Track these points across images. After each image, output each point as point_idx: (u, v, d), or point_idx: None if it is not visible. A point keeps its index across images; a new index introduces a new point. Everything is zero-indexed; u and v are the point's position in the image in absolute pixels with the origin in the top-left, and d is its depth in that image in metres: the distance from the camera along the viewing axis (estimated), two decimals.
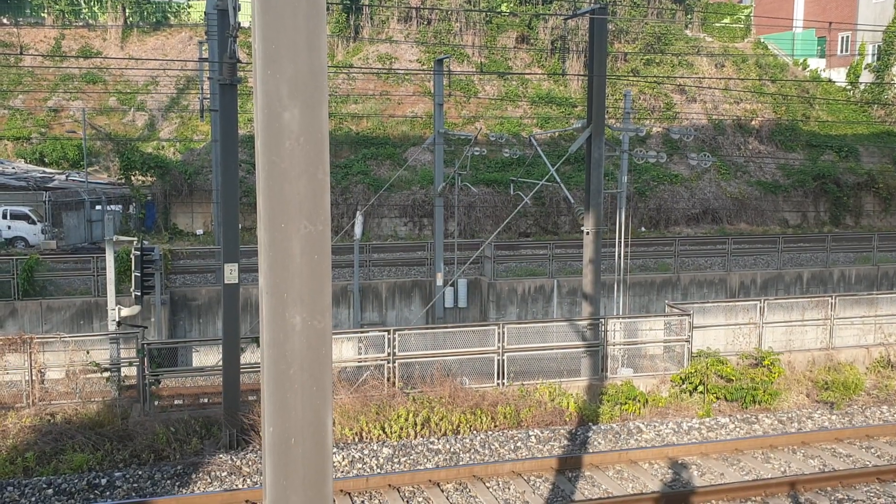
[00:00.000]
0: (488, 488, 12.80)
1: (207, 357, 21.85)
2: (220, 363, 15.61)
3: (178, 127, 49.12)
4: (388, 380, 16.81)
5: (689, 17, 59.47)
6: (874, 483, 13.28)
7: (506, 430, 15.33)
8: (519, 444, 14.67)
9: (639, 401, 17.03)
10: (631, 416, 16.66)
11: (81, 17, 56.11)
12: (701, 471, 13.79)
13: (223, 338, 15.06)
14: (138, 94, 50.44)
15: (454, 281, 28.25)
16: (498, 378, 17.62)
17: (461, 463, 13.79)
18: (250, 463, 13.52)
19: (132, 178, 40.88)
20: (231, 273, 14.52)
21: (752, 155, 49.41)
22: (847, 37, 56.94)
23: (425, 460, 13.90)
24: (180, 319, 26.87)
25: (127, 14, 55.52)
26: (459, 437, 14.89)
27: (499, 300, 29.35)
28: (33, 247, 34.46)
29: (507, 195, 40.23)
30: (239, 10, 13.73)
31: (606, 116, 20.96)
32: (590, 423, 16.06)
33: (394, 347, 17.04)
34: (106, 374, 16.75)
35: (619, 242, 22.85)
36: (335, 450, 14.02)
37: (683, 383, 17.95)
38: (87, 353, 16.77)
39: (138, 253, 18.69)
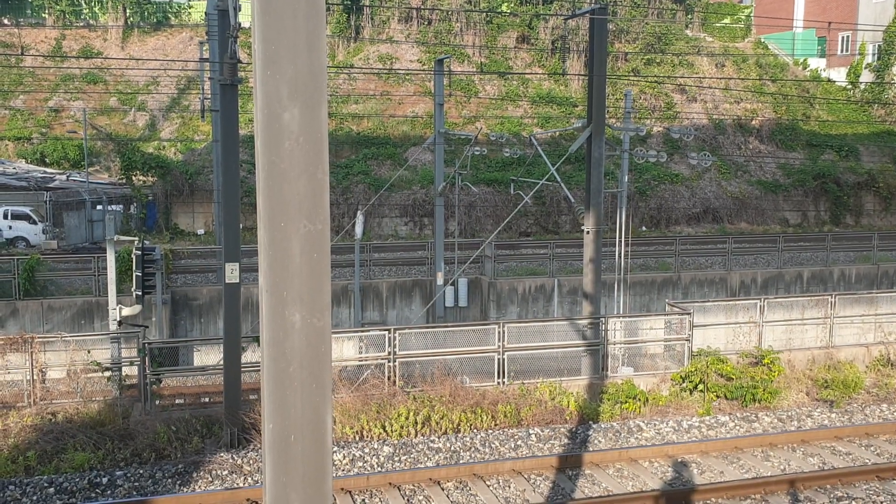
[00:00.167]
0: (489, 487, 12.84)
1: (208, 356, 21.89)
2: (221, 362, 15.65)
3: (178, 127, 49.17)
4: (389, 379, 16.85)
5: (689, 16, 59.48)
6: (874, 481, 13.32)
7: (506, 429, 15.36)
8: (519, 442, 14.70)
9: (639, 399, 17.07)
10: (631, 415, 16.70)
11: (82, 17, 56.16)
12: (701, 469, 13.83)
13: (224, 337, 15.10)
14: (139, 94, 50.49)
15: (454, 280, 28.30)
16: (498, 377, 17.66)
17: (462, 461, 13.83)
18: (251, 462, 13.56)
19: (133, 178, 40.94)
20: (232, 272, 14.56)
21: (753, 154, 49.44)
22: (847, 36, 56.95)
23: (426, 459, 13.94)
24: (181, 319, 26.91)
25: (127, 14, 55.58)
26: (460, 435, 14.93)
27: (499, 299, 29.39)
28: (34, 247, 34.52)
29: (507, 195, 40.27)
30: (239, 10, 13.77)
31: (607, 116, 21.01)
32: (590, 422, 16.09)
33: (394, 346, 17.08)
34: (107, 374, 16.79)
35: (620, 242, 22.88)
36: (336, 448, 14.07)
37: (684, 382, 17.99)
38: (89, 352, 16.81)
39: (139, 253, 18.72)
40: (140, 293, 18.95)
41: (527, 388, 17.10)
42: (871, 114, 54.81)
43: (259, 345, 4.06)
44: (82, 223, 37.97)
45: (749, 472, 13.74)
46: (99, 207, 38.13)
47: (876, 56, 55.66)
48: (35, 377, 16.13)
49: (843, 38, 57.41)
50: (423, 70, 48.70)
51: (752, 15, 62.10)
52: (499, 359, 17.74)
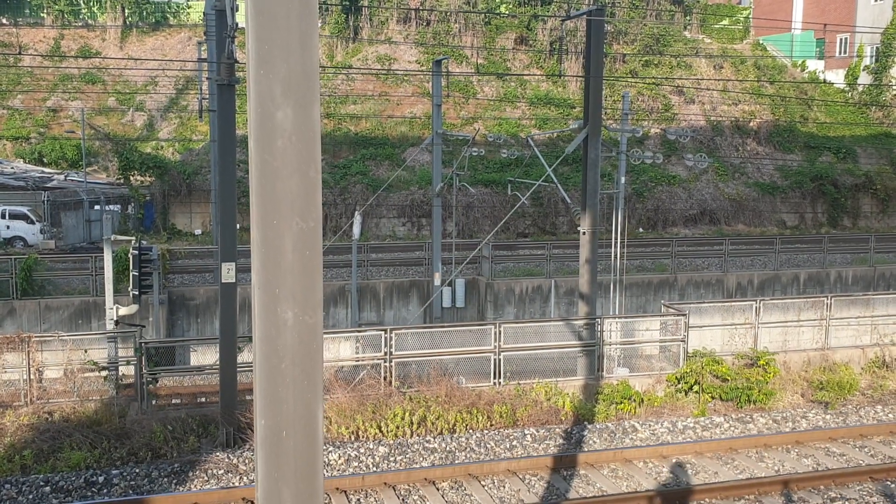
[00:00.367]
0: (483, 487, 12.87)
1: (205, 356, 21.91)
2: (218, 362, 15.68)
3: (176, 127, 49.19)
4: (385, 379, 16.89)
5: (687, 18, 59.56)
6: (867, 482, 13.36)
7: (502, 429, 15.40)
8: (514, 442, 14.74)
9: (634, 400, 17.11)
10: (626, 416, 16.74)
11: (80, 17, 56.18)
12: (695, 469, 13.87)
13: (220, 337, 15.14)
14: (137, 94, 50.51)
15: (451, 281, 28.33)
16: (494, 377, 17.70)
17: (457, 461, 13.87)
18: (247, 461, 13.58)
19: (131, 178, 40.95)
20: (228, 272, 14.60)
21: (750, 156, 49.51)
22: (845, 38, 57.05)
23: (421, 459, 13.97)
24: (178, 319, 26.93)
25: (126, 14, 55.60)
26: (455, 435, 14.96)
27: (496, 300, 29.42)
28: (32, 246, 34.52)
29: (505, 196, 40.31)
30: (237, 10, 13.81)
31: (605, 117, 21.07)
32: (585, 422, 16.13)
33: (390, 347, 17.11)
34: (104, 373, 16.82)
35: (616, 243, 22.93)
36: (332, 448, 14.10)
37: (679, 383, 18.04)
38: (85, 351, 16.84)
39: (136, 252, 18.76)
40: (137, 293, 18.99)
41: (523, 388, 17.15)
42: (869, 116, 54.90)
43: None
44: (80, 223, 37.97)
45: (743, 473, 13.78)
46: (97, 207, 38.13)
47: (874, 58, 55.77)
48: (32, 376, 16.15)
49: (841, 39, 57.51)
50: (422, 71, 48.75)
51: (750, 16, 62.20)
52: (495, 359, 17.78)
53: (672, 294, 30.65)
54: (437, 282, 28.33)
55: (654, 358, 19.99)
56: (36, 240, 35.30)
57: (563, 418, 16.26)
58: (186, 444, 14.40)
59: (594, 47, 19.89)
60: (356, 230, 27.70)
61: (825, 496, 12.79)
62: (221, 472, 13.25)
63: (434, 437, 14.82)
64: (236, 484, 12.86)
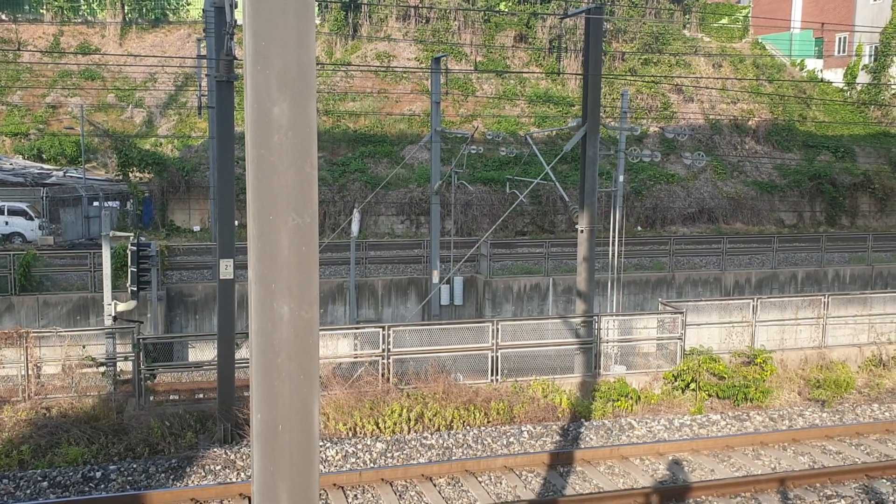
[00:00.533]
0: (480, 483, 12.91)
1: (203, 353, 21.93)
2: (216, 358, 15.70)
3: (175, 124, 49.16)
4: (383, 376, 16.92)
5: (686, 17, 59.55)
6: (863, 479, 13.41)
7: (499, 426, 15.44)
8: (511, 439, 14.78)
9: (631, 398, 17.15)
10: (623, 413, 16.78)
11: (80, 13, 56.12)
12: (692, 467, 13.91)
13: (218, 333, 15.16)
14: (136, 90, 50.47)
15: (450, 278, 28.35)
16: (492, 374, 17.73)
17: (454, 458, 13.90)
18: (244, 457, 13.61)
19: (130, 174, 40.95)
20: (226, 269, 14.62)
21: (749, 155, 49.54)
22: (844, 37, 57.07)
23: (418, 455, 14.00)
24: (176, 315, 26.95)
25: (125, 11, 55.53)
26: (452, 432, 15.00)
27: (494, 298, 29.45)
28: (30, 242, 34.52)
29: (503, 194, 40.32)
30: (236, 7, 13.83)
31: (604, 116, 21.10)
32: (582, 420, 16.17)
33: (388, 344, 17.14)
34: (101, 369, 16.84)
35: (614, 241, 22.95)
36: (329, 444, 14.13)
37: (676, 380, 18.07)
38: (83, 347, 16.86)
39: (134, 249, 18.78)
40: (135, 289, 19.01)
41: (520, 385, 17.18)
42: (868, 115, 54.93)
43: None
44: (79, 219, 37.98)
45: (740, 471, 13.82)
46: (95, 204, 38.13)
47: (872, 57, 55.79)
48: (30, 372, 16.17)
49: (840, 39, 57.54)
50: (421, 68, 48.75)
51: (749, 15, 62.19)
52: (492, 356, 17.81)
53: (670, 292, 30.69)
54: (436, 279, 28.37)
55: (652, 356, 20.03)
56: (34, 236, 35.30)
57: (560, 415, 16.30)
58: (184, 439, 14.43)
59: (593, 45, 19.90)
60: (354, 228, 27.70)
61: (821, 494, 12.83)
62: (219, 467, 13.28)
63: (431, 434, 14.86)
64: (234, 480, 12.89)
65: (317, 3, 54.68)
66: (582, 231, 19.95)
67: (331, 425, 15.03)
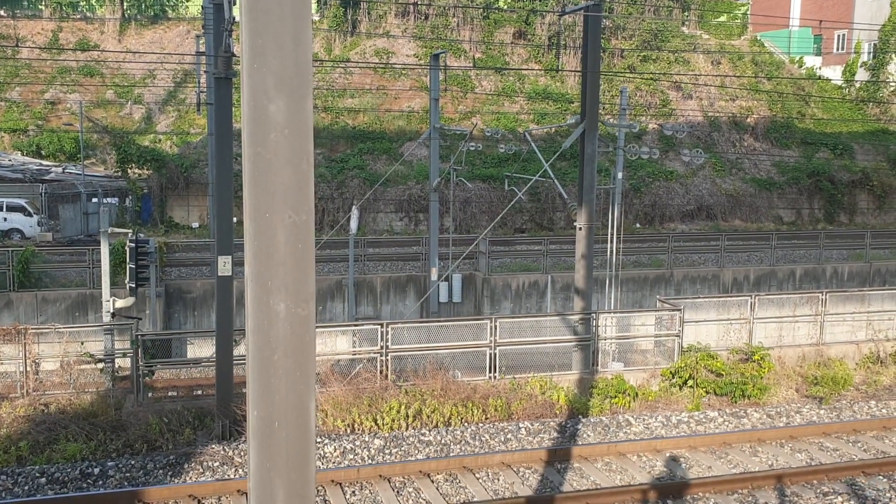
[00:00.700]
0: (478, 479, 12.94)
1: (202, 349, 21.95)
2: (214, 355, 15.72)
3: (174, 120, 49.13)
4: (381, 372, 16.94)
5: (685, 14, 59.55)
6: (860, 476, 13.44)
7: (496, 423, 15.46)
8: (509, 436, 14.81)
9: (629, 394, 17.18)
10: (621, 410, 16.81)
11: (79, 9, 56.06)
12: (689, 464, 13.94)
13: (216, 330, 15.17)
14: (136, 87, 50.43)
15: (448, 275, 28.36)
16: (490, 371, 17.76)
17: (452, 454, 13.93)
18: (242, 453, 13.64)
19: (129, 171, 40.93)
20: (224, 265, 14.63)
21: (748, 152, 49.55)
22: (843, 35, 57.07)
23: (416, 451, 14.03)
24: (175, 312, 26.95)
25: (125, 7, 55.48)
26: (450, 429, 15.02)
27: (493, 295, 29.46)
28: (29, 239, 34.51)
29: (502, 191, 40.31)
30: (234, 4, 13.82)
31: (603, 113, 21.11)
32: (580, 416, 16.20)
33: (387, 341, 17.16)
34: (100, 365, 16.86)
35: (612, 238, 22.98)
36: (327, 441, 14.15)
37: (673, 377, 18.10)
38: (82, 344, 16.87)
39: (133, 245, 18.78)
40: (134, 285, 19.02)
41: (518, 382, 17.21)
42: (866, 112, 54.94)
43: None
44: (77, 215, 37.96)
45: (737, 468, 13.85)
46: (94, 200, 38.12)
47: (871, 54, 55.80)
48: (28, 368, 16.19)
49: (838, 36, 57.53)
50: (420, 65, 48.73)
51: (748, 13, 62.19)
52: (490, 353, 17.84)
53: (668, 289, 30.72)
54: (434, 277, 28.37)
55: (649, 353, 20.05)
56: (33, 232, 35.29)
57: (558, 412, 16.33)
58: (182, 436, 14.45)
59: (591, 42, 19.90)
60: (353, 224, 27.70)
61: (818, 490, 12.87)
62: (217, 464, 13.30)
63: (429, 430, 14.88)
64: (231, 476, 12.91)
65: (315, 0, 54.65)
66: (580, 228, 19.96)
67: (329, 422, 15.05)
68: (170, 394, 17.14)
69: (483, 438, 14.65)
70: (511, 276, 29.78)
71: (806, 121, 52.09)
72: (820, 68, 58.04)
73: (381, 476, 12.85)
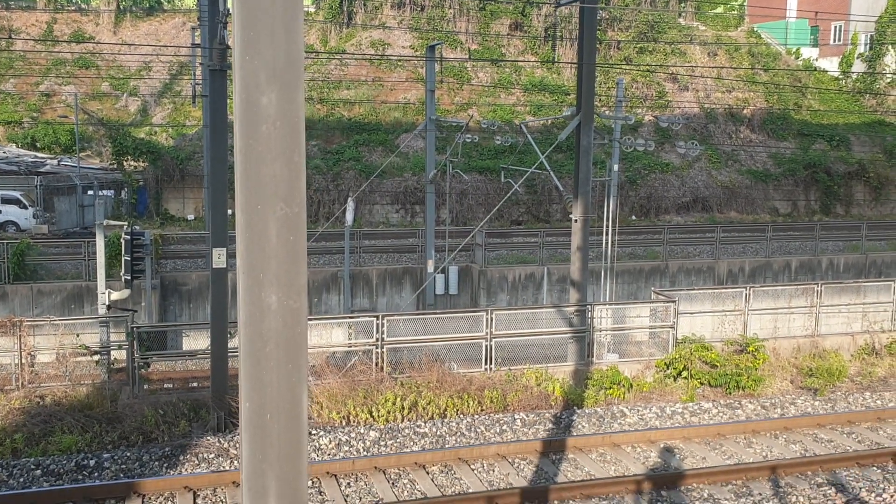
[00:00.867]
0: (473, 470, 12.97)
1: (197, 341, 21.96)
2: (209, 347, 15.72)
3: (170, 112, 49.03)
4: (377, 365, 16.95)
5: (682, 5, 59.47)
6: (854, 468, 13.49)
7: (492, 414, 15.50)
8: (504, 427, 14.84)
9: (623, 386, 17.22)
10: (615, 401, 16.85)
11: (73, 1, 55.83)
12: (683, 455, 13.99)
13: (211, 322, 15.17)
14: (131, 79, 50.29)
15: (444, 268, 28.37)
16: (486, 363, 17.78)
17: (447, 446, 13.96)
18: (237, 445, 13.63)
19: (124, 163, 40.86)
20: (219, 258, 14.62)
21: (744, 143, 49.57)
22: (840, 26, 57.05)
23: (412, 443, 14.06)
24: (171, 304, 26.96)
25: None
26: (446, 420, 15.05)
27: (489, 287, 29.50)
28: (24, 231, 34.45)
29: (498, 183, 40.30)
30: None
31: (599, 105, 21.09)
32: (575, 408, 16.24)
33: (382, 333, 17.17)
34: (95, 358, 16.86)
35: (607, 230, 23.00)
36: (323, 433, 14.18)
37: (668, 369, 18.14)
38: (77, 336, 16.87)
39: (128, 237, 18.76)
40: (129, 278, 19.01)
41: (513, 374, 17.24)
42: (863, 104, 54.98)
43: None
44: (73, 208, 37.91)
45: (731, 459, 13.90)
46: (90, 192, 38.05)
47: (868, 46, 55.80)
48: (23, 360, 16.19)
49: (835, 27, 57.52)
50: (416, 56, 48.63)
51: (745, 4, 62.12)
52: (486, 345, 17.86)
53: (663, 281, 30.77)
54: (430, 269, 28.38)
55: (644, 344, 20.09)
56: (28, 224, 35.23)
57: (553, 403, 16.36)
58: (178, 428, 14.46)
59: (587, 34, 19.87)
60: (349, 216, 27.68)
61: (812, 482, 12.92)
62: (212, 455, 13.33)
63: (425, 422, 14.91)
64: (227, 468, 12.93)
65: None
66: (576, 220, 19.97)
67: (324, 414, 15.07)
68: (165, 386, 17.15)
69: (478, 430, 14.68)
70: (507, 268, 29.81)
71: (802, 112, 52.10)
72: (816, 60, 58.03)
73: (376, 468, 12.88)
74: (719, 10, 60.73)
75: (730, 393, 17.57)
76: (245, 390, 4.11)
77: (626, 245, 31.30)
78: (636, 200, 44.26)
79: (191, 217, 40.70)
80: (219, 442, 13.77)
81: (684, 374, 17.80)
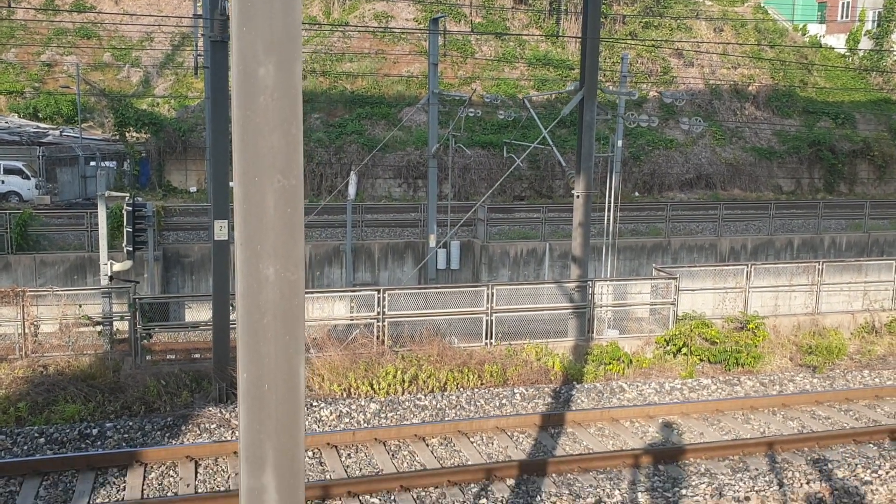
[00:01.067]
0: (472, 443, 13.07)
1: (199, 313, 22.05)
2: (211, 319, 15.79)
3: (172, 84, 48.85)
4: (378, 338, 17.03)
5: None
6: (850, 444, 13.56)
7: (492, 388, 15.58)
8: (504, 401, 14.92)
9: (623, 361, 17.29)
10: (615, 376, 16.93)
11: None
12: (681, 430, 14.07)
13: (213, 294, 15.22)
14: (133, 49, 50.06)
15: (446, 242, 28.39)
16: (486, 338, 17.85)
17: (447, 419, 14.05)
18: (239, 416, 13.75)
19: (126, 134, 40.80)
20: (221, 229, 14.64)
21: (748, 120, 49.35)
22: (847, 2, 56.57)
23: (412, 416, 14.15)
24: (173, 276, 27.04)
25: None
26: (446, 394, 15.14)
27: (491, 262, 29.54)
28: (27, 201, 34.50)
29: (501, 158, 40.19)
30: None
31: (603, 80, 20.98)
32: (574, 382, 16.32)
33: (384, 307, 17.23)
34: (98, 328, 16.93)
35: (610, 206, 22.97)
36: (324, 404, 14.27)
37: (668, 345, 18.20)
38: (80, 306, 16.93)
39: (130, 209, 18.78)
40: (131, 249, 19.04)
41: (514, 349, 17.30)
42: (869, 81, 54.65)
43: None
44: (75, 179, 37.92)
45: (729, 434, 13.98)
46: (92, 163, 38.03)
47: (876, 23, 55.35)
48: (27, 330, 16.27)
49: (843, 3, 57.05)
50: (419, 29, 48.33)
51: None
52: (487, 320, 17.92)
53: (665, 258, 30.79)
54: (432, 243, 28.41)
55: (645, 320, 20.15)
56: (31, 195, 35.27)
57: (553, 378, 16.44)
58: (180, 398, 14.56)
59: (592, 7, 19.72)
60: (351, 190, 27.68)
61: (808, 458, 12.99)
62: (214, 426, 13.43)
63: (425, 395, 15.00)
64: (228, 438, 13.04)
65: None
66: (578, 196, 19.95)
67: (325, 386, 15.16)
68: (168, 357, 17.25)
69: (478, 403, 14.77)
70: (509, 244, 29.82)
71: (808, 89, 51.81)
72: (823, 36, 57.62)
73: (376, 439, 12.97)
74: None
75: (729, 370, 17.63)
76: (243, 361, 4.15)
77: (628, 221, 31.28)
78: (639, 177, 44.16)
79: (193, 189, 40.70)
80: (220, 412, 13.87)
81: (684, 350, 17.86)
